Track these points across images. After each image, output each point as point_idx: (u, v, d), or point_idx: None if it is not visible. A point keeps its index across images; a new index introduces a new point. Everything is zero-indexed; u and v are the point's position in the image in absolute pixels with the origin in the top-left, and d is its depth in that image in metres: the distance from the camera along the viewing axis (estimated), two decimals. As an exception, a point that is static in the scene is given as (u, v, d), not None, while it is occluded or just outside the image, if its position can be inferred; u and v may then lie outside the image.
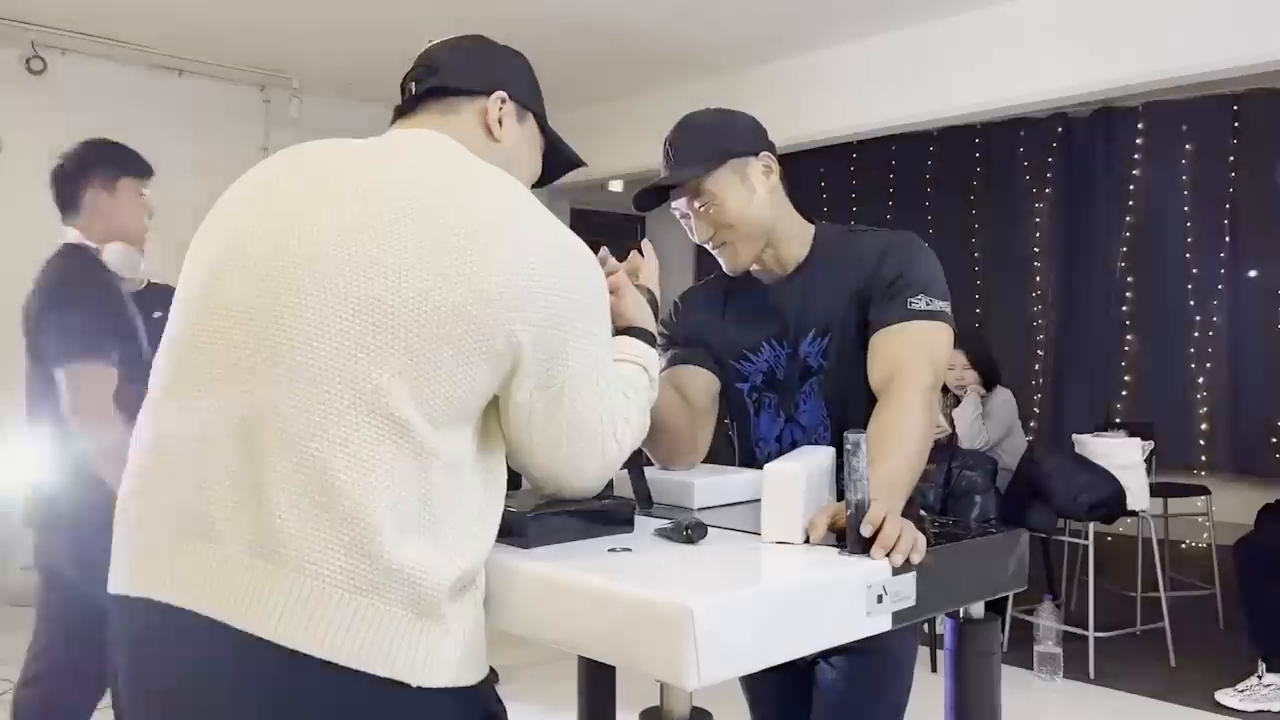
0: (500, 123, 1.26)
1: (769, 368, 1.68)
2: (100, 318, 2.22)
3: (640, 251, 1.47)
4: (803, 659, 1.05)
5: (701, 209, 1.59)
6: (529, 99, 1.32)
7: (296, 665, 0.95)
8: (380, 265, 1.00)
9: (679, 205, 1.62)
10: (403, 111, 1.27)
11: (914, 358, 1.48)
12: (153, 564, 1.03)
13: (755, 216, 1.60)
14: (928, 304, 1.52)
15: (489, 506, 1.09)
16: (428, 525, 1.00)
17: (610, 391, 1.16)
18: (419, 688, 0.98)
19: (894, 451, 1.35)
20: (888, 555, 1.13)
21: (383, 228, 1.02)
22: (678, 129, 1.63)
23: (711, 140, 1.59)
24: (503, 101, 1.26)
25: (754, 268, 1.68)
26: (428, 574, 0.98)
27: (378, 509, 0.96)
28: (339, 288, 1.00)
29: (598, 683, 1.74)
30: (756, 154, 1.61)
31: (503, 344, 1.03)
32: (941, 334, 1.53)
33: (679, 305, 1.81)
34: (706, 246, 1.66)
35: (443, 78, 1.25)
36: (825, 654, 1.05)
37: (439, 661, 1.00)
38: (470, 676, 1.05)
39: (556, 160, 1.39)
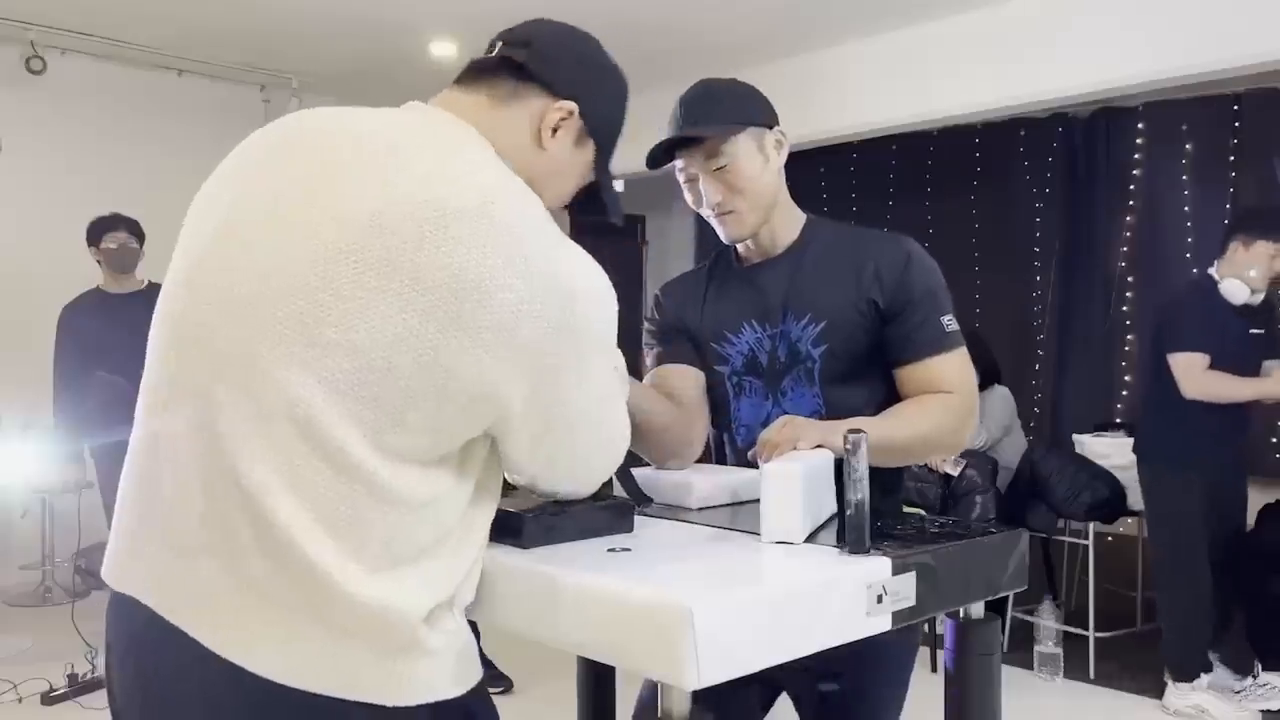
0: (555, 133, 1.15)
1: (750, 350, 1.67)
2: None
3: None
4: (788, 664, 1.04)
5: (716, 170, 1.58)
6: (600, 127, 1.21)
7: (271, 686, 0.94)
8: (347, 311, 0.93)
9: (690, 166, 1.60)
10: (475, 71, 1.16)
11: (956, 384, 1.57)
12: (138, 566, 1.02)
13: (766, 187, 1.61)
14: (951, 324, 1.59)
15: (472, 539, 1.06)
16: (397, 566, 0.97)
17: (608, 408, 1.12)
18: (395, 708, 0.97)
19: (889, 416, 1.53)
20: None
21: (359, 268, 0.93)
22: (698, 89, 1.62)
23: (734, 104, 1.60)
24: (569, 114, 1.16)
25: (742, 247, 1.69)
26: (398, 611, 0.96)
27: (338, 555, 0.93)
28: (301, 330, 0.94)
29: (598, 683, 1.74)
30: (771, 127, 1.63)
31: (484, 401, 0.97)
32: (966, 356, 1.60)
33: (659, 298, 1.82)
34: (707, 215, 1.64)
35: (530, 57, 1.15)
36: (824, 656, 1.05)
37: (416, 683, 0.98)
38: (455, 688, 1.02)
39: (591, 201, 1.27)
